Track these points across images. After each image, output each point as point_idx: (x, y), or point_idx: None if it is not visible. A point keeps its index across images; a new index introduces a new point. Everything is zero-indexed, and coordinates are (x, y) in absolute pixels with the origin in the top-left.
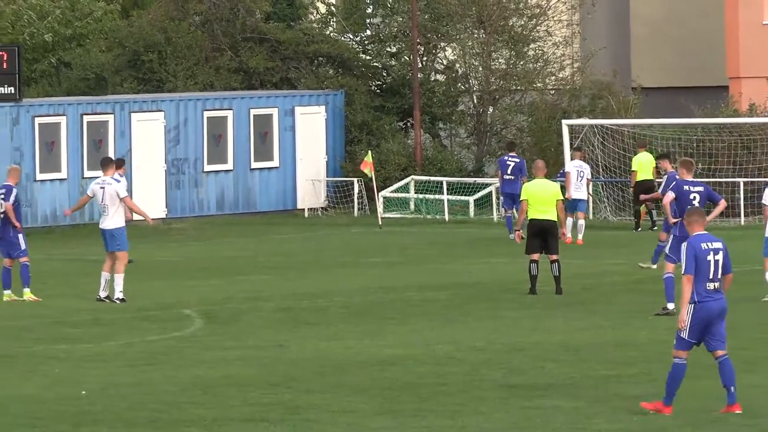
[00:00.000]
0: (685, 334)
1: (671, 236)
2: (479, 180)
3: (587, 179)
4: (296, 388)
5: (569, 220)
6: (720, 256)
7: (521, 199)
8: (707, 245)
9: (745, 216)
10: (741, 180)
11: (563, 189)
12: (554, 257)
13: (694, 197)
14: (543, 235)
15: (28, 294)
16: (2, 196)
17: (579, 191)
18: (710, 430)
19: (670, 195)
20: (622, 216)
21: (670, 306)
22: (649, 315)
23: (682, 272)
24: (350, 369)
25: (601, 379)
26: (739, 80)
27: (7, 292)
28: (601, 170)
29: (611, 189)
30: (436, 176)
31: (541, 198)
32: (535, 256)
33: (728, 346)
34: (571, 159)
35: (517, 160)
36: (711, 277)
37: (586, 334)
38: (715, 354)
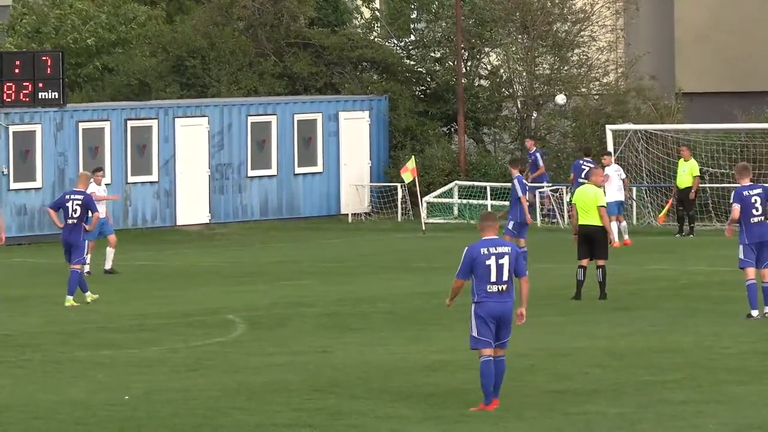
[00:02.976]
0: (475, 333)
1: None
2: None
3: (623, 180)
4: (340, 393)
5: (614, 224)
6: (505, 260)
7: (571, 202)
8: (487, 250)
9: None
10: None
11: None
12: (601, 263)
13: (755, 200)
14: (590, 241)
15: (70, 302)
16: (78, 202)
17: (621, 193)
18: None
19: (736, 206)
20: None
21: (754, 313)
22: (694, 320)
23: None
24: (394, 375)
25: (646, 384)
26: None
27: (87, 294)
28: (645, 175)
29: (654, 194)
30: (480, 181)
31: (586, 203)
32: (584, 262)
33: None
34: (607, 164)
35: (592, 165)
36: (493, 280)
37: (631, 340)
38: (494, 352)
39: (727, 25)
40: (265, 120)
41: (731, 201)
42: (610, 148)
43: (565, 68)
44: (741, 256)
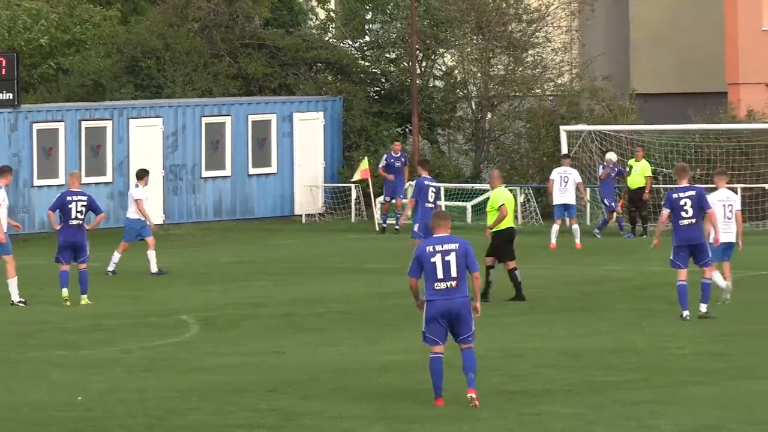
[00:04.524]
0: (425, 329)
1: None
2: (477, 186)
3: (577, 184)
4: (293, 394)
5: (555, 227)
6: (451, 257)
7: (500, 204)
8: (433, 248)
9: (743, 222)
10: (739, 186)
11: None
12: (512, 264)
13: (685, 203)
14: (511, 243)
15: (85, 300)
16: (83, 203)
17: (565, 196)
18: None
19: (665, 211)
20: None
21: (685, 313)
22: (649, 321)
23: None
24: (348, 375)
25: (600, 385)
26: (738, 86)
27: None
28: (598, 176)
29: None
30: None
31: (511, 205)
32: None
33: (733, 352)
34: (559, 165)
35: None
36: (441, 277)
37: (586, 340)
38: (460, 346)
39: (682, 26)
40: (220, 121)
41: (663, 204)
42: (564, 149)
43: (520, 69)
44: (671, 257)
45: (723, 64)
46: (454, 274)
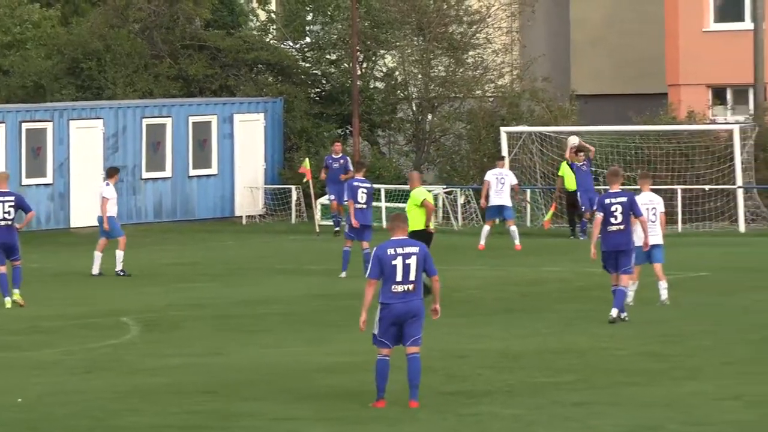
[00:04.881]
0: (376, 332)
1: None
2: None
3: (512, 185)
4: (234, 395)
5: (485, 228)
6: (412, 261)
7: (422, 199)
8: (394, 250)
9: (683, 223)
10: (679, 187)
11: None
12: None
13: (616, 209)
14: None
15: (17, 295)
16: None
17: (500, 197)
18: None
19: (599, 215)
20: (559, 223)
21: (623, 315)
22: (589, 322)
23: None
24: (290, 376)
25: (540, 386)
26: (678, 88)
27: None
28: (539, 178)
29: (548, 196)
30: (374, 183)
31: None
32: None
33: (674, 353)
34: (495, 167)
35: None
36: (399, 280)
37: (526, 341)
38: (406, 351)
39: (623, 27)
40: (160, 122)
41: (594, 208)
42: (505, 150)
43: (461, 70)
44: (603, 261)
45: (663, 65)
46: (412, 277)
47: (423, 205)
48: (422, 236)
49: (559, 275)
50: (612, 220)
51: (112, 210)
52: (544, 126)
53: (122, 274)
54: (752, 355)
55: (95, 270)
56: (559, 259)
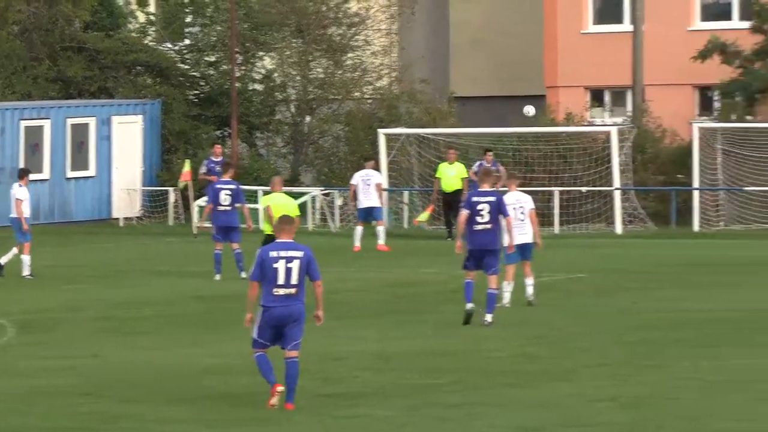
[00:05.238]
0: (255, 335)
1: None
2: (295, 189)
3: (377, 185)
4: (113, 397)
5: (358, 229)
6: (294, 264)
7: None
8: (277, 253)
9: (560, 225)
10: (556, 189)
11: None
12: None
13: (482, 208)
14: None
15: None
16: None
17: (369, 199)
18: None
19: (464, 212)
20: (437, 225)
21: (468, 306)
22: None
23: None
24: (170, 378)
25: (416, 387)
26: (557, 89)
27: None
28: (417, 179)
29: (427, 197)
30: (252, 185)
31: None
32: None
33: (551, 354)
34: (361, 168)
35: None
36: (281, 283)
37: (402, 343)
38: (285, 354)
39: (502, 29)
40: (38, 124)
41: (461, 206)
42: (383, 152)
43: (339, 72)
44: (464, 260)
45: (542, 67)
46: (294, 281)
47: (265, 210)
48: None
49: (435, 277)
50: (478, 218)
51: (26, 211)
52: (422, 128)
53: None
54: (628, 357)
55: (26, 271)
56: (435, 261)
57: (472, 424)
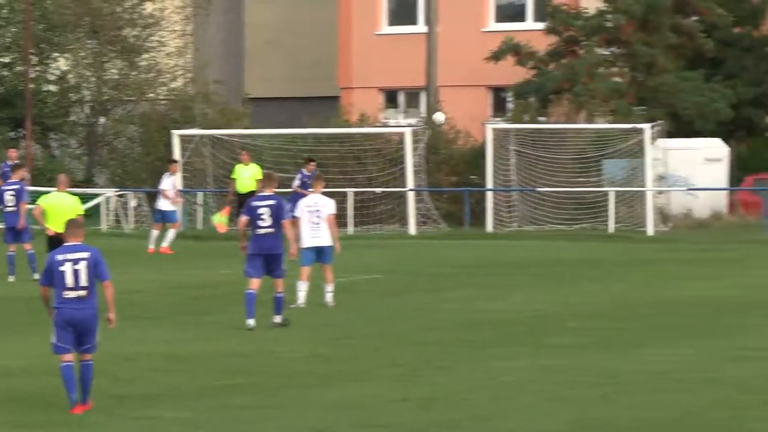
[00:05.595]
0: (55, 340)
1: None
2: (89, 190)
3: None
4: None
5: (153, 232)
6: (81, 266)
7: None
8: (63, 256)
9: (354, 226)
10: (351, 190)
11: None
12: None
13: (263, 212)
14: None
15: None
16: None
17: (159, 202)
18: None
19: (243, 218)
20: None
21: (250, 322)
22: (260, 325)
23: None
24: None
25: (208, 388)
26: (351, 91)
27: None
28: (211, 180)
29: (221, 199)
30: (46, 187)
31: (60, 212)
32: None
33: (343, 355)
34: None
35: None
36: (70, 285)
37: (194, 344)
38: (81, 357)
39: (297, 31)
40: None
41: (242, 210)
42: (177, 153)
43: (134, 73)
44: (245, 265)
45: (336, 68)
46: (83, 283)
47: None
48: (57, 240)
49: (229, 278)
50: (260, 223)
51: None
52: (216, 129)
53: None
54: (421, 357)
55: None
56: (231, 262)
57: (266, 425)
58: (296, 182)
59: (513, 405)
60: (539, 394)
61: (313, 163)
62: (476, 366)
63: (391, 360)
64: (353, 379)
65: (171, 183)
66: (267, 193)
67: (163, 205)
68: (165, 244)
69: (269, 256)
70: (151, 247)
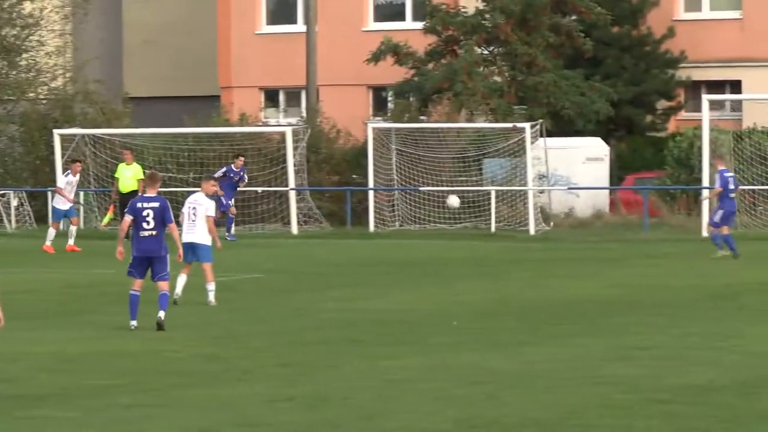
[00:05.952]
0: None
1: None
2: None
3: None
4: None
5: (51, 231)
6: None
7: None
8: None
9: (236, 225)
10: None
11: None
12: None
13: (147, 213)
14: None
15: None
16: None
17: (62, 201)
18: None
19: (127, 218)
20: (113, 226)
21: (133, 323)
22: (141, 325)
23: None
24: None
25: (95, 388)
26: (231, 90)
27: None
28: (93, 180)
29: (103, 198)
30: None
31: None
32: None
33: (228, 355)
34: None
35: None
36: None
37: (79, 344)
38: None
39: (177, 30)
40: None
41: (125, 211)
42: (58, 153)
43: (14, 73)
44: (129, 266)
45: (216, 67)
46: None
47: None
48: None
49: (113, 278)
50: (144, 225)
51: None
52: (97, 128)
53: None
54: (305, 357)
55: None
56: (113, 262)
57: (153, 425)
58: (218, 173)
59: (398, 404)
60: (425, 393)
61: (241, 159)
62: (361, 365)
63: (275, 359)
64: (239, 379)
65: (67, 182)
66: (151, 194)
67: (58, 202)
68: (71, 241)
69: (152, 259)
70: (48, 244)
